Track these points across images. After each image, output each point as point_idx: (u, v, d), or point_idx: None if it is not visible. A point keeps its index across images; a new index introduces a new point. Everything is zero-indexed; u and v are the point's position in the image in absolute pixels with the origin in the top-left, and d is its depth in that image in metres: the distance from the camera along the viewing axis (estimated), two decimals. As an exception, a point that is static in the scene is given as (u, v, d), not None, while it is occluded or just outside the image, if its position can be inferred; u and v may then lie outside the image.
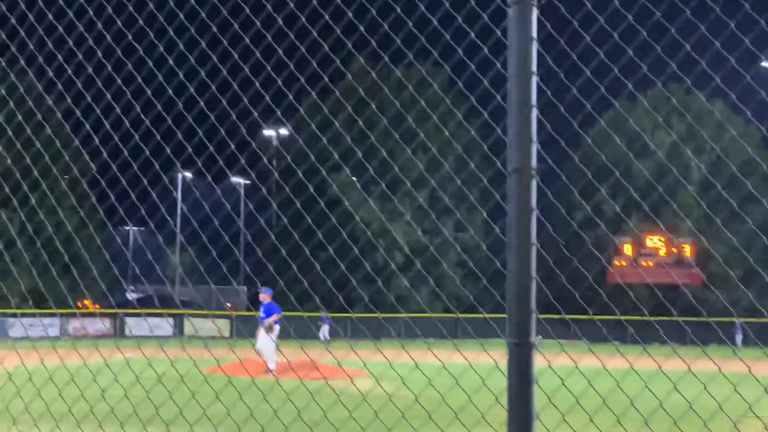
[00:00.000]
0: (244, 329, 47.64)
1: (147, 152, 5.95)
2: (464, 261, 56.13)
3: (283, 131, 59.91)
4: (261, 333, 25.37)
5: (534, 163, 3.86)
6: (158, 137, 5.86)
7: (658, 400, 4.17)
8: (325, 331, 49.06)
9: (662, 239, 66.25)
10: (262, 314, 25.58)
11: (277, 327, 25.75)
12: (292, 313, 37.92)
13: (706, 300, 55.17)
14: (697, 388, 4.22)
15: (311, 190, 5.62)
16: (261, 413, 5.38)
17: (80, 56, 6.25)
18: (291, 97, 5.66)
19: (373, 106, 5.70)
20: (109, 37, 6.06)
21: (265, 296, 26.06)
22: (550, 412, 4.30)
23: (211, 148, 5.81)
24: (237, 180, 63.58)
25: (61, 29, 6.37)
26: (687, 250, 65.68)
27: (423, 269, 56.75)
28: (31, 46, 6.59)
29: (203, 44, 5.68)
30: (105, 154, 6.17)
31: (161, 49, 5.83)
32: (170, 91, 5.82)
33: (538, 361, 3.87)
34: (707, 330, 8.25)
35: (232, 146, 5.78)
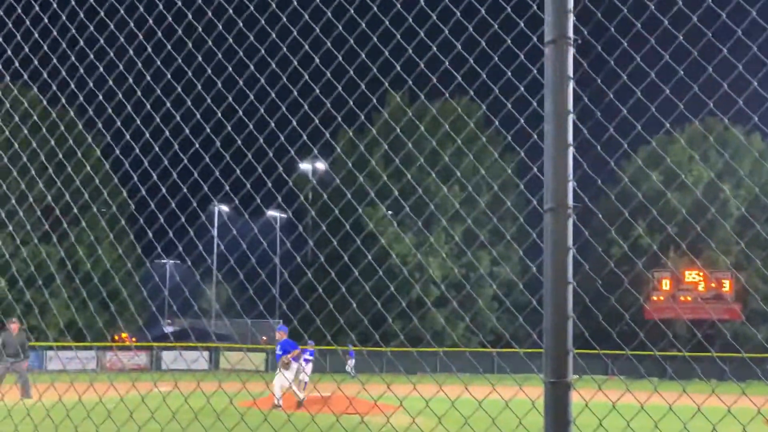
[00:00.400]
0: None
1: (184, 188, 6.01)
2: (501, 297, 55.97)
3: (320, 165, 60.21)
4: (279, 370, 25.75)
5: (570, 201, 3.85)
6: (195, 173, 5.92)
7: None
8: (351, 365, 49.30)
9: (701, 274, 65.65)
10: (279, 351, 25.92)
11: (294, 364, 25.96)
12: (321, 347, 38.01)
13: (745, 336, 54.60)
14: (737, 427, 4.18)
15: (347, 226, 5.64)
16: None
17: (119, 94, 6.34)
18: (327, 134, 5.70)
19: (409, 144, 5.73)
20: (148, 76, 6.14)
21: (281, 334, 26.45)
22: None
23: (248, 185, 5.86)
24: (274, 214, 63.90)
25: (101, 68, 6.47)
26: (726, 285, 65.05)
27: (459, 305, 56.61)
28: (72, 86, 6.69)
29: (241, 82, 5.74)
30: (143, 191, 6.24)
31: (199, 87, 5.90)
32: (207, 128, 5.89)
33: (575, 398, 3.85)
34: (746, 367, 8.18)
35: (269, 183, 5.82)
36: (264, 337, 73.88)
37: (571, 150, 3.86)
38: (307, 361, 33.65)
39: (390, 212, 52.70)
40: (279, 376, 25.16)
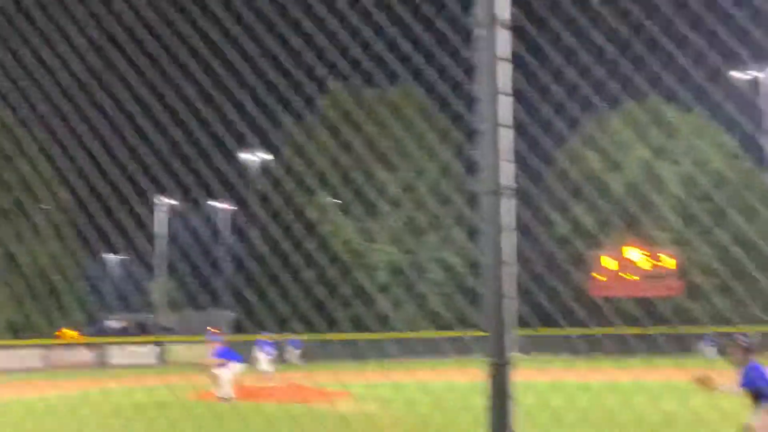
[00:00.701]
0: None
1: (127, 182, 5.97)
2: (445, 281, 56.17)
3: (264, 156, 59.65)
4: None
5: (507, 182, 3.89)
6: (139, 167, 5.88)
7: (639, 412, 4.20)
8: (295, 353, 49.07)
9: (643, 252, 66.42)
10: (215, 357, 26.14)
11: (235, 364, 26.13)
12: (262, 336, 37.76)
13: (687, 310, 55.38)
14: (678, 398, 4.26)
15: (291, 215, 5.63)
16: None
17: (56, 89, 6.27)
18: (269, 124, 5.69)
19: (348, 132, 5.73)
20: (84, 71, 6.08)
21: (215, 343, 26.56)
22: (531, 428, 4.33)
23: (192, 176, 5.83)
24: (217, 205, 63.37)
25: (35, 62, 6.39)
26: (667, 262, 65.85)
27: (404, 289, 56.66)
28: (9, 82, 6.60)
29: (180, 73, 5.71)
30: (85, 185, 6.18)
31: (136, 77, 5.85)
32: (149, 120, 5.85)
33: (520, 377, 3.89)
34: (687, 340, 8.32)
35: (213, 175, 5.80)
36: (211, 329, 73.35)
37: (506, 131, 3.89)
38: (268, 353, 33.55)
39: (333, 200, 52.57)
40: (223, 372, 25.16)
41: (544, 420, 4.08)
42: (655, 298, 59.58)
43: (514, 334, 3.88)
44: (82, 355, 52.38)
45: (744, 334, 12.95)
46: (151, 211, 56.07)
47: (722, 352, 13.28)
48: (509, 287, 3.90)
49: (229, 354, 25.80)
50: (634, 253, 66.57)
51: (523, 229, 4.39)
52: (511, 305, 3.89)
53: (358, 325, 47.86)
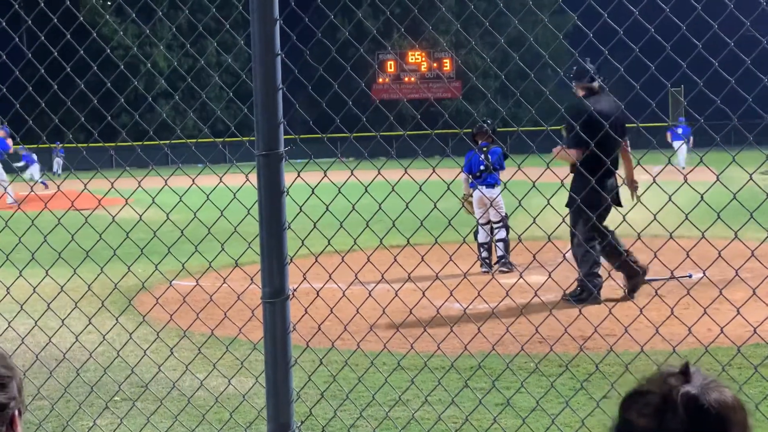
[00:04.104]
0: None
1: None
2: (225, 84, 55.36)
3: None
4: None
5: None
6: None
7: (405, 203, 4.28)
8: (58, 163, 49.47)
9: (423, 55, 67.54)
10: None
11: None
12: (35, 145, 36.66)
13: (466, 113, 57.02)
14: (445, 194, 4.37)
15: (53, 16, 5.27)
16: (5, 244, 5.18)
17: None
18: None
19: None
20: None
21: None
22: (300, 222, 4.36)
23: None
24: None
25: None
26: (446, 64, 67.33)
27: (182, 93, 55.51)
28: None
29: None
30: None
31: None
32: None
33: (290, 178, 3.88)
34: (465, 142, 8.50)
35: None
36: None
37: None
38: (30, 162, 32.63)
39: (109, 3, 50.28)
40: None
41: (315, 214, 4.17)
42: (435, 100, 60.94)
43: (282, 125, 3.82)
44: None
45: (487, 122, 13.66)
46: None
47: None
48: (278, 77, 3.82)
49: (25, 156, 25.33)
50: (416, 56, 67.65)
51: (304, 30, 4.27)
52: (279, 96, 3.82)
53: (139, 133, 46.85)
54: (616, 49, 4.22)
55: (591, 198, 8.61)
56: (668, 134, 38.97)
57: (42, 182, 29.49)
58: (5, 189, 23.48)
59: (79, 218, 4.97)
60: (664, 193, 3.70)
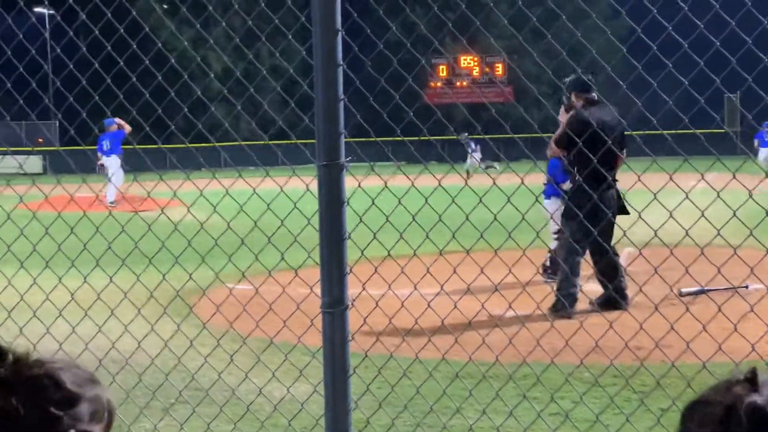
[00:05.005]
0: (58, 165, 46.28)
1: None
2: (272, 86, 55.60)
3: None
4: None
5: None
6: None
7: (465, 214, 4.29)
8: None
9: (475, 59, 67.36)
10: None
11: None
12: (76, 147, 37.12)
13: (518, 117, 56.67)
14: (503, 201, 4.35)
15: (110, 17, 5.34)
16: (70, 247, 5.25)
17: None
18: None
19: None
20: None
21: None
22: (361, 231, 4.37)
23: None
24: (41, 11, 60.39)
25: None
26: (498, 69, 67.12)
27: (235, 97, 55.84)
28: None
29: None
30: None
31: None
32: None
33: (349, 184, 3.89)
34: (518, 146, 8.46)
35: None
36: (40, 139, 71.18)
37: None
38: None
39: (165, 6, 50.69)
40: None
41: (375, 223, 4.20)
42: (488, 105, 60.73)
43: (344, 135, 3.84)
44: None
45: None
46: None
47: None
48: (339, 88, 3.84)
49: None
50: (468, 61, 67.51)
51: (356, 31, 4.29)
52: (341, 106, 3.85)
53: (197, 136, 47.21)
54: (667, 53, 4.17)
55: (588, 209, 8.32)
56: (756, 140, 38.05)
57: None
58: (114, 187, 23.43)
59: (138, 222, 5.04)
60: (723, 204, 3.66)
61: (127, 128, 25.55)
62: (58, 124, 70.37)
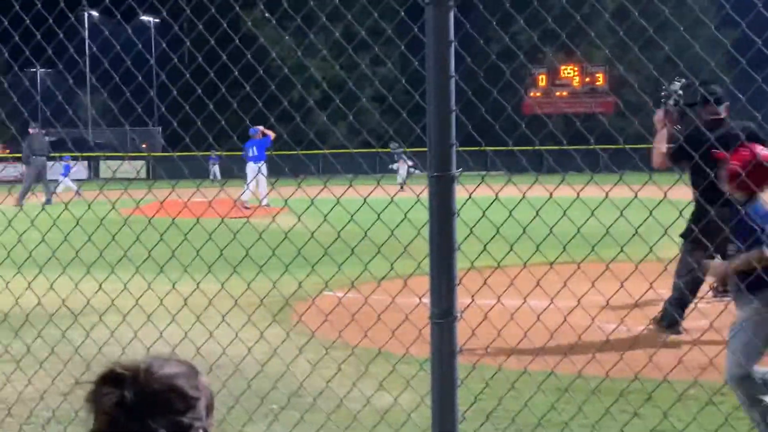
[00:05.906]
0: (161, 170, 47.25)
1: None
2: (383, 96, 55.90)
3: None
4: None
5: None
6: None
7: (576, 227, 4.24)
8: (216, 170, 51.19)
9: (576, 69, 66.68)
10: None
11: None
12: (184, 153, 37.65)
13: (620, 127, 55.99)
14: (614, 213, 4.29)
15: (224, 26, 5.45)
16: (183, 253, 5.36)
17: None
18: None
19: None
20: None
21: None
22: (471, 243, 4.36)
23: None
24: (147, 18, 61.78)
25: None
26: (599, 78, 66.35)
27: (341, 105, 56.28)
28: None
29: None
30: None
31: None
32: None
33: (459, 194, 3.88)
34: (621, 156, 8.30)
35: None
36: (144, 144, 72.79)
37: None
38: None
39: (266, 13, 51.27)
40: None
41: (485, 233, 4.18)
42: (590, 115, 60.09)
43: (455, 146, 3.84)
44: (13, 171, 51.59)
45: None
46: (80, 22, 54.42)
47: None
48: (451, 101, 3.84)
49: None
50: (569, 71, 66.87)
51: (461, 41, 4.27)
52: (453, 118, 3.84)
53: (294, 140, 47.75)
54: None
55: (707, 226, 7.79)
56: None
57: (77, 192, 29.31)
58: (260, 191, 24.13)
59: (234, 227, 5.12)
60: None
61: (272, 135, 26.23)
62: (160, 130, 71.86)
